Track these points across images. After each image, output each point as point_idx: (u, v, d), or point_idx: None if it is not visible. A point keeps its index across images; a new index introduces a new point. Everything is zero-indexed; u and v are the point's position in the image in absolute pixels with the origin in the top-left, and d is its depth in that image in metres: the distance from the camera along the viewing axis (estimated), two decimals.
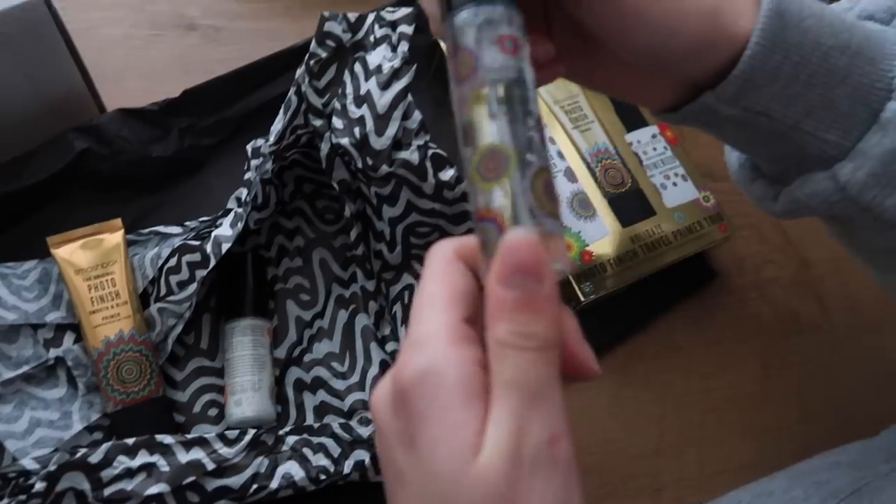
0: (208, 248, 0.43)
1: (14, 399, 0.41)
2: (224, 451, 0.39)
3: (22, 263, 0.44)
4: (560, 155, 0.52)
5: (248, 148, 0.45)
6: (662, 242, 0.51)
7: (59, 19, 0.41)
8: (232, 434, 0.40)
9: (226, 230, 0.43)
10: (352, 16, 0.43)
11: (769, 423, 0.51)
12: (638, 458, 0.48)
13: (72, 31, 0.43)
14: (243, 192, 0.45)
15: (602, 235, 0.50)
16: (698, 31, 0.27)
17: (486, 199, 0.22)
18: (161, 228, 0.47)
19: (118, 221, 0.45)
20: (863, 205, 0.30)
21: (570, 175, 0.52)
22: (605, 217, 0.51)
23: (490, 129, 0.23)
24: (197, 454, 0.39)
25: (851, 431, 0.45)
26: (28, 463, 0.37)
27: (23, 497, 0.36)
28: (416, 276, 0.45)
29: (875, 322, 0.55)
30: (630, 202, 0.52)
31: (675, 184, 0.53)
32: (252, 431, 0.40)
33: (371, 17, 0.43)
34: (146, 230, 0.47)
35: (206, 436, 0.40)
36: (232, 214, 0.44)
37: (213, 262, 0.42)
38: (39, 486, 0.36)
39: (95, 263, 0.43)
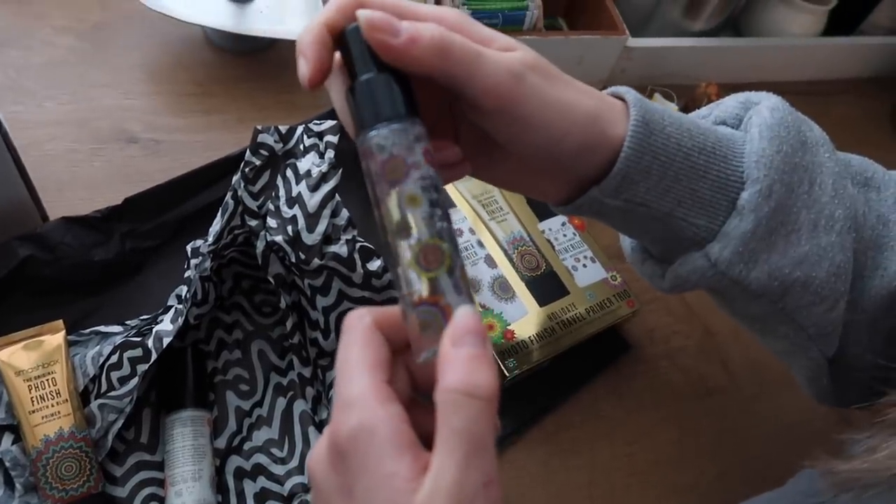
0: (149, 342, 0.45)
1: None
2: None
3: None
4: (480, 244, 0.57)
5: (188, 248, 0.48)
6: (577, 319, 0.56)
7: (7, 136, 0.44)
8: None
9: (166, 325, 0.46)
10: (283, 128, 0.48)
11: (689, 482, 0.54)
12: None
13: (17, 146, 0.46)
14: (183, 290, 0.47)
15: (522, 315, 0.55)
16: (583, 134, 0.32)
17: (429, 287, 0.26)
18: (102, 328, 0.49)
19: (59, 323, 0.47)
20: (732, 278, 0.34)
21: (490, 261, 0.57)
22: (524, 298, 0.55)
23: (425, 227, 0.27)
24: None
25: (762, 483, 0.48)
26: None
27: None
28: None
29: (776, 381, 0.61)
30: (545, 284, 0.57)
31: (584, 265, 0.59)
32: None
33: (300, 129, 0.48)
34: (87, 330, 0.48)
35: None
36: (172, 311, 0.47)
37: (154, 357, 0.44)
38: None
39: (36, 364, 0.45)
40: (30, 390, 0.44)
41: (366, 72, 0.28)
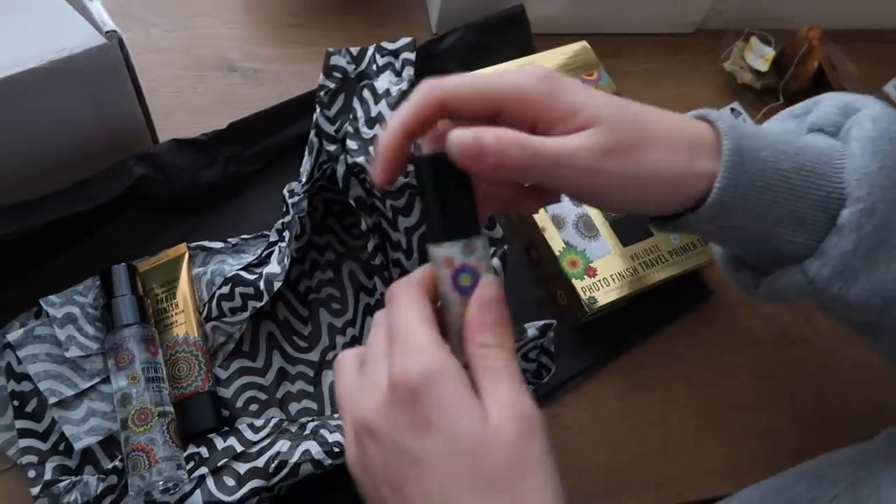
0: (261, 284, 0.47)
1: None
2: (251, 436, 0.44)
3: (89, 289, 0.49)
4: None
5: (285, 192, 0.50)
6: (659, 260, 0.56)
7: (129, 60, 0.47)
8: (259, 423, 0.45)
9: (274, 268, 0.48)
10: (354, 49, 0.48)
11: (764, 427, 0.55)
12: (643, 456, 0.52)
13: None
14: (283, 225, 0.49)
15: (605, 253, 0.55)
16: (664, 196, 0.33)
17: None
18: (206, 243, 0.52)
19: (183, 245, 0.51)
20: (831, 295, 0.34)
21: None
22: (607, 237, 0.56)
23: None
24: (230, 441, 0.44)
25: (841, 436, 0.48)
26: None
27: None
28: None
29: (859, 339, 0.60)
30: (630, 225, 0.57)
31: None
32: (275, 419, 0.45)
33: (371, 49, 0.48)
34: (193, 245, 0.52)
35: (238, 426, 0.45)
36: (277, 251, 0.49)
37: (266, 298, 0.47)
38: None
39: (164, 280, 0.50)
40: (157, 303, 0.48)
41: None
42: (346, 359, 0.32)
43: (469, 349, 0.29)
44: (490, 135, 0.29)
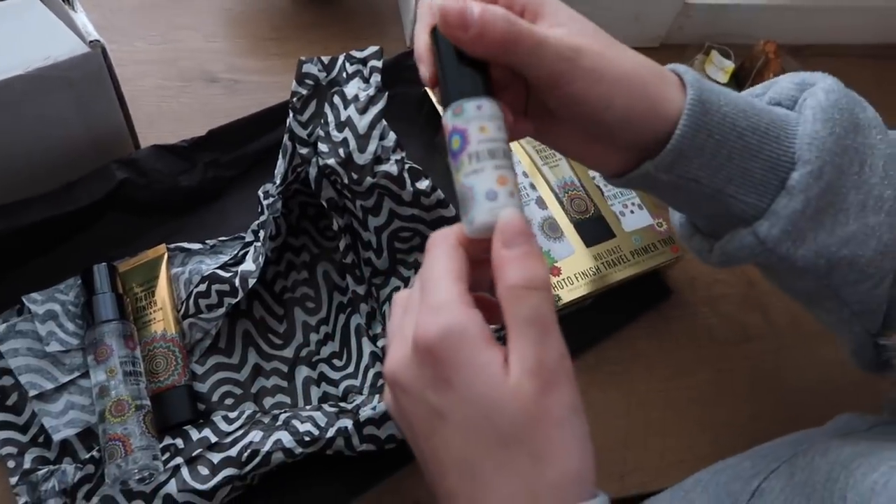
0: (236, 282, 0.49)
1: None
2: (225, 427, 0.46)
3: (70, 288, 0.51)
4: (532, 186, 0.61)
5: (260, 193, 0.52)
6: (622, 260, 0.58)
7: (112, 69, 0.49)
8: (233, 415, 0.47)
9: (249, 265, 0.50)
10: (325, 58, 0.50)
11: (723, 419, 0.57)
12: (606, 449, 0.54)
13: None
14: (258, 226, 0.52)
15: (568, 254, 0.58)
16: (627, 107, 0.33)
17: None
18: (185, 245, 0.54)
19: (162, 246, 0.53)
20: (780, 255, 0.36)
21: (541, 203, 0.60)
22: (571, 238, 0.58)
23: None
24: (205, 433, 0.45)
25: (797, 427, 0.50)
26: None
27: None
28: (403, 280, 0.52)
29: (816, 332, 0.62)
30: (593, 226, 0.60)
31: (632, 211, 0.61)
32: (249, 411, 0.47)
33: (342, 58, 0.50)
34: (172, 245, 0.54)
35: (213, 418, 0.46)
36: (252, 250, 0.51)
37: (241, 294, 0.49)
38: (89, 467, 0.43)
39: (144, 279, 0.52)
40: (136, 301, 0.50)
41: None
42: (397, 302, 0.33)
43: (498, 291, 0.28)
44: (477, 7, 0.30)
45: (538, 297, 0.28)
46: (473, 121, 0.31)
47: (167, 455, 0.45)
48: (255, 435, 0.45)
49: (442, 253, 0.30)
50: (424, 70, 0.33)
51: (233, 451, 0.45)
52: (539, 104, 0.36)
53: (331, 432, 0.45)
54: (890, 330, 0.40)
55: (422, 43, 0.33)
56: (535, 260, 0.29)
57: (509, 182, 0.30)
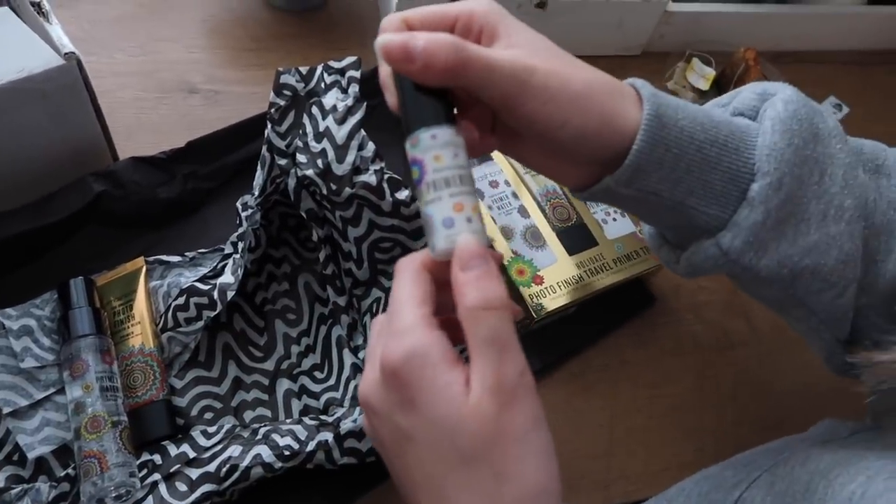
0: (215, 294, 0.49)
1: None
2: (203, 442, 0.45)
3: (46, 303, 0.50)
4: (514, 195, 0.60)
5: (238, 204, 0.52)
6: (604, 268, 0.58)
7: (88, 81, 0.49)
8: (212, 429, 0.46)
9: (228, 278, 0.49)
10: (303, 69, 0.50)
11: (706, 426, 0.57)
12: (590, 457, 0.54)
13: None
14: (238, 238, 0.51)
15: (551, 262, 0.58)
16: (581, 125, 0.33)
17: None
18: (164, 257, 0.53)
19: (140, 259, 0.52)
20: (743, 266, 0.36)
21: (523, 212, 0.60)
22: (554, 247, 0.58)
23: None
24: (183, 448, 0.45)
25: (781, 433, 0.50)
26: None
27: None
28: (384, 290, 0.52)
29: (799, 339, 0.62)
30: (575, 234, 0.60)
31: (614, 219, 0.61)
32: (228, 425, 0.46)
33: (320, 68, 0.50)
34: (151, 258, 0.53)
35: (191, 433, 0.46)
36: (231, 262, 0.51)
37: (219, 307, 0.49)
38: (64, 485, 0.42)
39: (121, 292, 0.51)
40: (114, 315, 0.50)
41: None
42: (374, 326, 0.33)
43: (458, 312, 0.29)
44: (422, 39, 0.30)
45: (495, 318, 0.29)
46: (429, 151, 0.31)
47: (144, 471, 0.44)
48: (235, 450, 0.45)
49: (406, 278, 0.31)
50: (390, 98, 0.34)
51: (211, 467, 0.44)
52: (507, 129, 0.36)
53: (311, 446, 0.44)
54: (856, 346, 0.40)
55: (384, 71, 0.34)
56: (491, 281, 0.29)
57: (466, 207, 0.31)
